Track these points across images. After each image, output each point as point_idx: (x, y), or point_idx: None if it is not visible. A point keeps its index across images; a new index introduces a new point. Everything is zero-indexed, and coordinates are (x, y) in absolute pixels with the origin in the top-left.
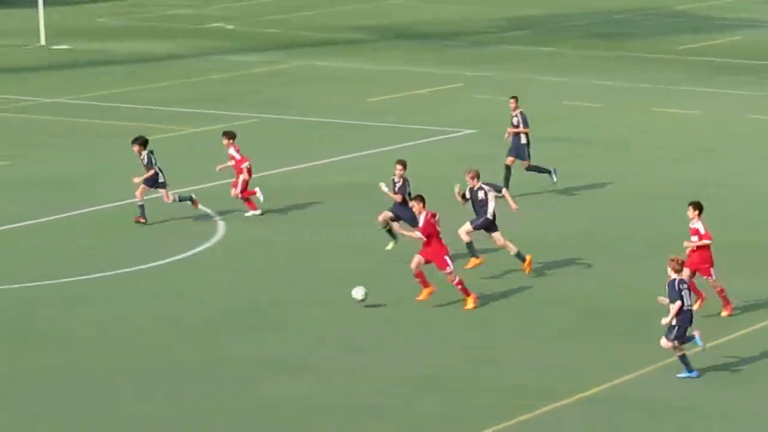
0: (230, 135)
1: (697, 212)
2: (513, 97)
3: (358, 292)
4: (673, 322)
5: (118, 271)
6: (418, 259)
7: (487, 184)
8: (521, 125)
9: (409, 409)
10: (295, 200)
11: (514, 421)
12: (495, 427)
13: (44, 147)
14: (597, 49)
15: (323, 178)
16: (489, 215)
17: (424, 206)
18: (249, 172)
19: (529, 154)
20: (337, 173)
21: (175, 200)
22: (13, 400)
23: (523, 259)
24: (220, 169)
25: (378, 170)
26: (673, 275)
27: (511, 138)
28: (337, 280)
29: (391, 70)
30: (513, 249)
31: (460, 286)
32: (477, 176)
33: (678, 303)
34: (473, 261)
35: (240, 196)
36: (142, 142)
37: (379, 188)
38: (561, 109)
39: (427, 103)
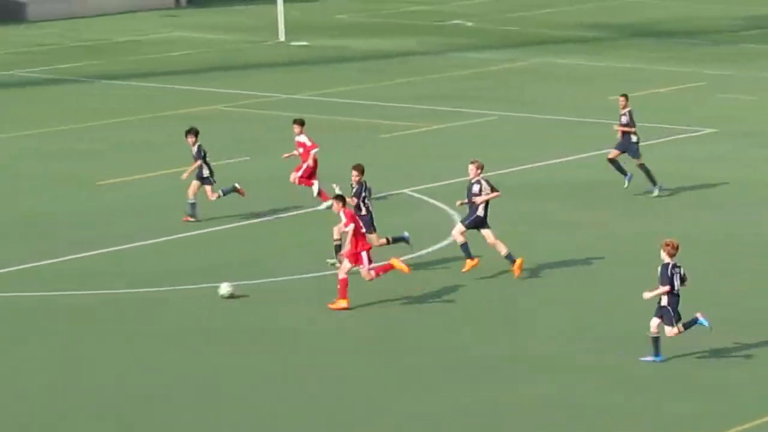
0: (301, 122)
1: None
2: (623, 95)
3: (224, 289)
4: (664, 302)
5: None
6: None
7: (486, 182)
8: (630, 123)
9: (655, 408)
10: (533, 197)
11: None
12: (739, 428)
13: (281, 143)
14: None
15: (561, 175)
16: (479, 212)
17: (344, 205)
18: (315, 160)
19: (639, 152)
20: (577, 170)
21: (219, 196)
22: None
23: (513, 261)
24: (287, 158)
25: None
26: (667, 259)
27: (619, 134)
28: (571, 278)
29: (631, 67)
30: (504, 250)
31: (341, 285)
32: (480, 168)
33: (667, 287)
34: (469, 263)
35: (297, 180)
36: (196, 133)
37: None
38: None
39: (668, 101)
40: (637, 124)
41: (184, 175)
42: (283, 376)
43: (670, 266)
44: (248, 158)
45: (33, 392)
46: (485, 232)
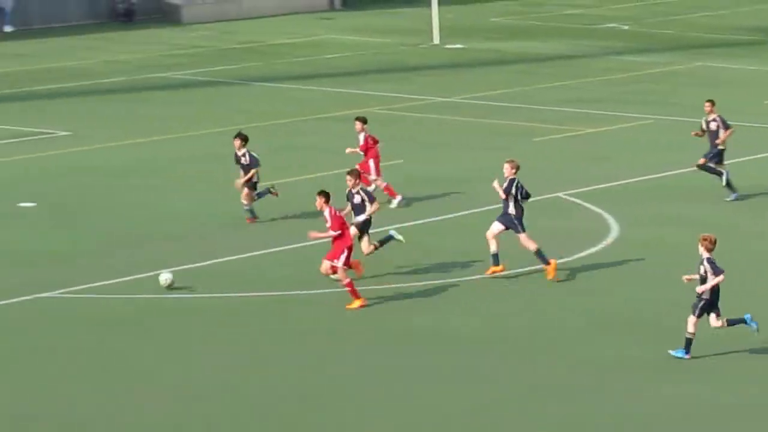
0: (364, 120)
1: None
2: (709, 101)
3: (165, 278)
4: (707, 296)
5: (508, 272)
6: (325, 264)
7: (511, 181)
8: (721, 128)
9: None
10: (685, 200)
11: None
12: None
13: (435, 146)
14: None
15: (716, 179)
16: (509, 210)
17: (326, 201)
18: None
19: (714, 156)
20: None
21: (254, 199)
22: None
23: (497, 264)
24: (350, 152)
25: None
26: (706, 254)
27: (705, 137)
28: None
29: None
30: (494, 248)
31: (349, 288)
32: (516, 168)
33: (721, 275)
34: (550, 267)
35: (384, 184)
36: (244, 138)
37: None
38: None
39: None
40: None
41: (238, 183)
42: (446, 378)
43: (712, 259)
44: (402, 161)
45: (208, 392)
46: (497, 228)
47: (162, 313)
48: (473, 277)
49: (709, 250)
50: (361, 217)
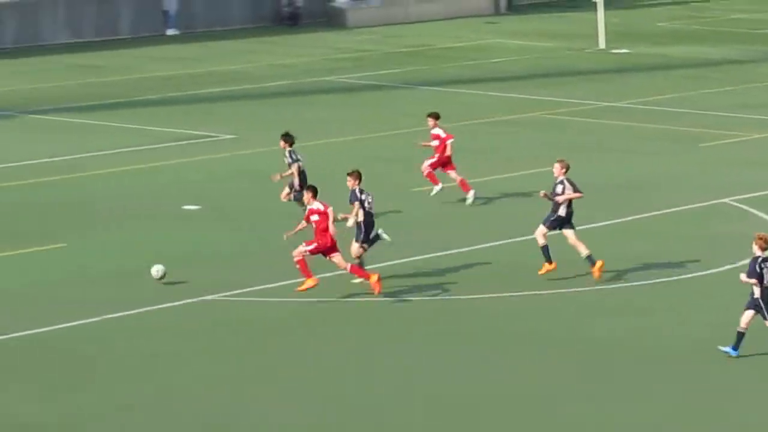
0: (436, 116)
1: None
2: None
3: (157, 271)
4: (756, 294)
5: (665, 279)
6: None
7: (569, 181)
8: None
9: None
10: None
11: None
12: None
13: (602, 151)
14: None
15: None
16: (560, 212)
17: (313, 197)
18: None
19: None
20: None
21: (290, 199)
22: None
23: (593, 263)
24: (422, 146)
25: None
26: (759, 253)
27: None
28: None
29: None
30: (584, 251)
31: (300, 266)
32: (566, 168)
33: (753, 279)
34: (546, 266)
35: (427, 171)
36: (287, 139)
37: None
38: None
39: None
40: None
41: (276, 177)
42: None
43: (759, 260)
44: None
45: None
46: (567, 233)
47: (322, 316)
48: (650, 282)
49: (763, 249)
50: (350, 221)
